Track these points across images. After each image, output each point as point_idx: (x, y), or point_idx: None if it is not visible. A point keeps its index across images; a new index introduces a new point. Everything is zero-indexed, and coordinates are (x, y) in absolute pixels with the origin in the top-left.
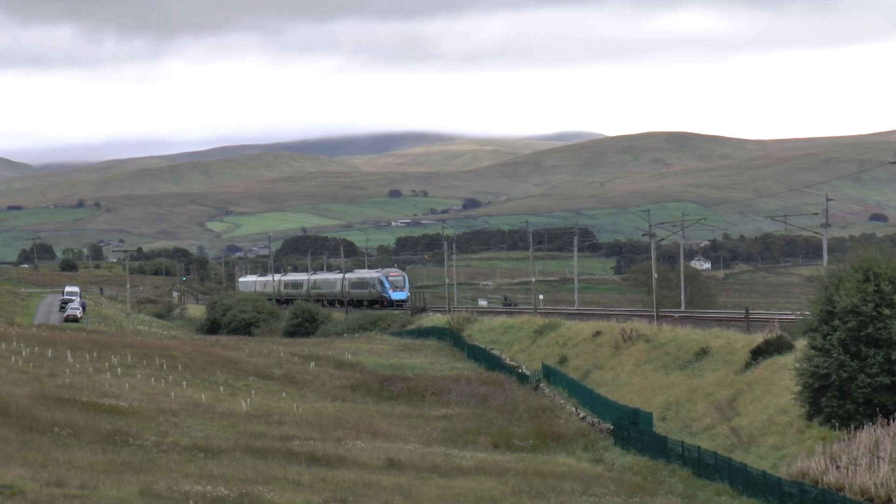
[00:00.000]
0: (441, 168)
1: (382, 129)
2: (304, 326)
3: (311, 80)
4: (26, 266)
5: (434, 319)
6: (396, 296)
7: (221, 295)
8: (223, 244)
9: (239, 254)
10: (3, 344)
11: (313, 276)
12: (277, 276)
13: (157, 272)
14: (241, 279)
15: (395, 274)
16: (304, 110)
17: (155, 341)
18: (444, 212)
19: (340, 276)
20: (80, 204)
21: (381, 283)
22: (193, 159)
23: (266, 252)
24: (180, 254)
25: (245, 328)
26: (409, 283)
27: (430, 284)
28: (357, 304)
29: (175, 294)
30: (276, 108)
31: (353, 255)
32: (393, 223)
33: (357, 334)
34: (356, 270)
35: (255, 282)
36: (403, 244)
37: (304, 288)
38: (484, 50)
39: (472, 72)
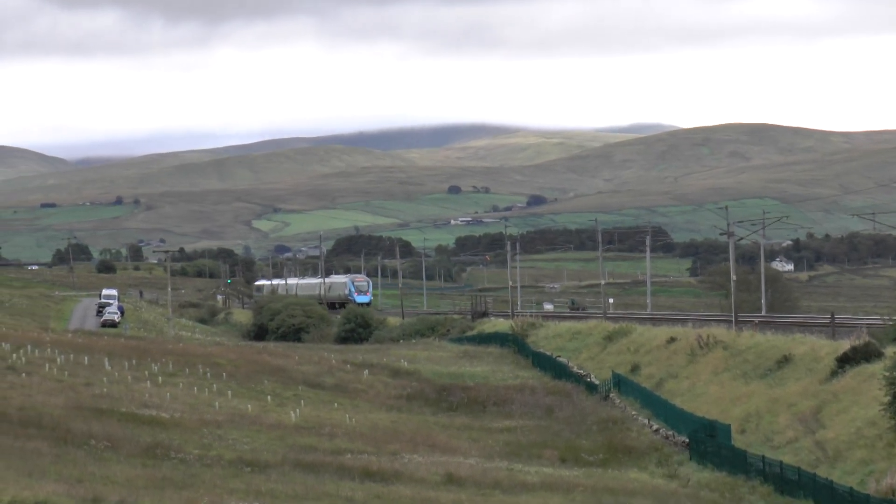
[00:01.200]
0: (504, 162)
1: (441, 121)
2: (357, 332)
3: (367, 69)
4: (61, 267)
5: (496, 325)
6: (360, 298)
7: (268, 298)
8: (271, 244)
9: (287, 254)
10: (37, 351)
11: (300, 281)
12: (276, 281)
13: (200, 274)
14: (256, 283)
15: (360, 279)
16: (358, 101)
17: (198, 348)
18: (507, 209)
19: (320, 280)
20: (119, 201)
21: (348, 287)
22: (239, 153)
23: (317, 252)
24: (225, 254)
25: (294, 334)
26: (470, 285)
27: (491, 287)
28: (331, 305)
29: (219, 297)
30: (329, 99)
31: (409, 255)
32: (452, 222)
33: (414, 340)
34: (332, 276)
35: (264, 286)
36: (463, 244)
37: (294, 291)
38: (554, 36)
39: (540, 59)
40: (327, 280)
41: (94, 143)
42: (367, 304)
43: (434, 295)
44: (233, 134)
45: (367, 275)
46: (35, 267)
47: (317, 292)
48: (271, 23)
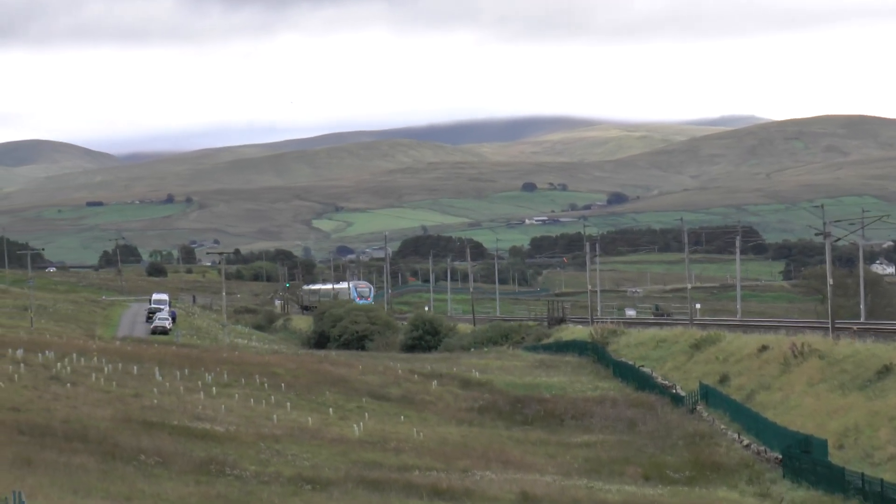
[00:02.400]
0: (582, 157)
1: (516, 113)
2: (425, 340)
3: (440, 56)
4: (108, 270)
5: (574, 332)
6: (361, 302)
7: (330, 304)
8: (332, 245)
9: (350, 256)
10: (83, 360)
11: (322, 287)
12: (315, 286)
13: (256, 277)
14: (303, 287)
15: (362, 285)
16: (428, 91)
17: (254, 357)
18: (586, 208)
19: (331, 286)
20: (170, 199)
21: (351, 292)
22: (299, 147)
23: (382, 254)
24: (283, 256)
25: (357, 342)
26: (547, 289)
27: (569, 291)
28: None
29: (277, 303)
30: (397, 89)
31: (480, 257)
32: (527, 221)
33: (486, 349)
34: (341, 282)
35: (305, 290)
36: (539, 245)
37: (317, 296)
38: (640, 20)
39: (625, 45)
40: (336, 286)
41: (143, 137)
42: None
43: (507, 300)
44: (292, 127)
45: (437, 278)
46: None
47: (329, 297)
48: (340, 7)
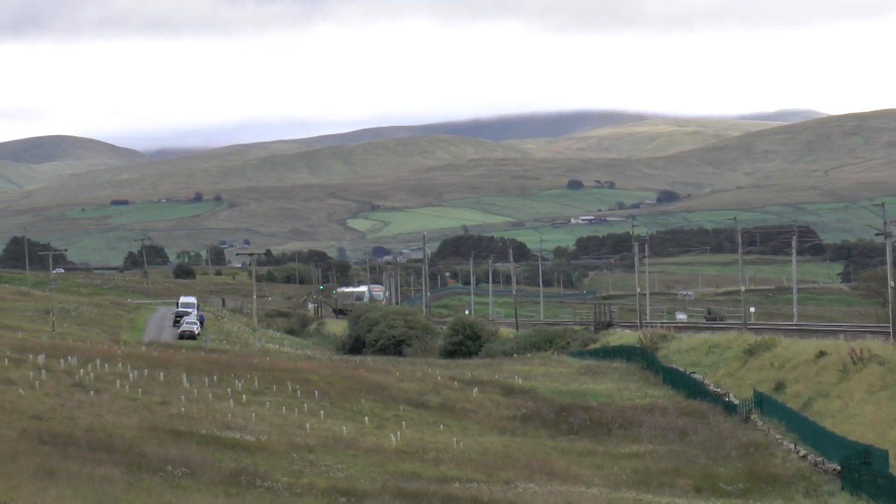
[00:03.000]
0: (631, 154)
1: (562, 108)
2: (465, 345)
3: (484, 48)
4: (134, 272)
5: (622, 337)
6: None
7: (365, 307)
8: (368, 246)
9: (387, 258)
10: (107, 365)
11: (345, 289)
12: (340, 289)
13: (289, 280)
14: (337, 289)
15: (376, 289)
16: (469, 84)
17: (286, 363)
18: (635, 206)
19: (353, 289)
20: (198, 198)
21: (366, 294)
22: (334, 144)
23: (420, 255)
24: (317, 257)
25: (394, 347)
26: (593, 291)
27: (617, 294)
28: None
29: (310, 306)
30: (437, 82)
31: (523, 258)
32: (572, 220)
33: (529, 354)
34: (361, 285)
35: (339, 293)
36: (585, 245)
37: (350, 299)
38: (697, 10)
39: (676, 36)
40: (356, 289)
41: (171, 132)
42: None
43: (552, 303)
44: (327, 122)
45: (478, 280)
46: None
47: (350, 300)
48: None
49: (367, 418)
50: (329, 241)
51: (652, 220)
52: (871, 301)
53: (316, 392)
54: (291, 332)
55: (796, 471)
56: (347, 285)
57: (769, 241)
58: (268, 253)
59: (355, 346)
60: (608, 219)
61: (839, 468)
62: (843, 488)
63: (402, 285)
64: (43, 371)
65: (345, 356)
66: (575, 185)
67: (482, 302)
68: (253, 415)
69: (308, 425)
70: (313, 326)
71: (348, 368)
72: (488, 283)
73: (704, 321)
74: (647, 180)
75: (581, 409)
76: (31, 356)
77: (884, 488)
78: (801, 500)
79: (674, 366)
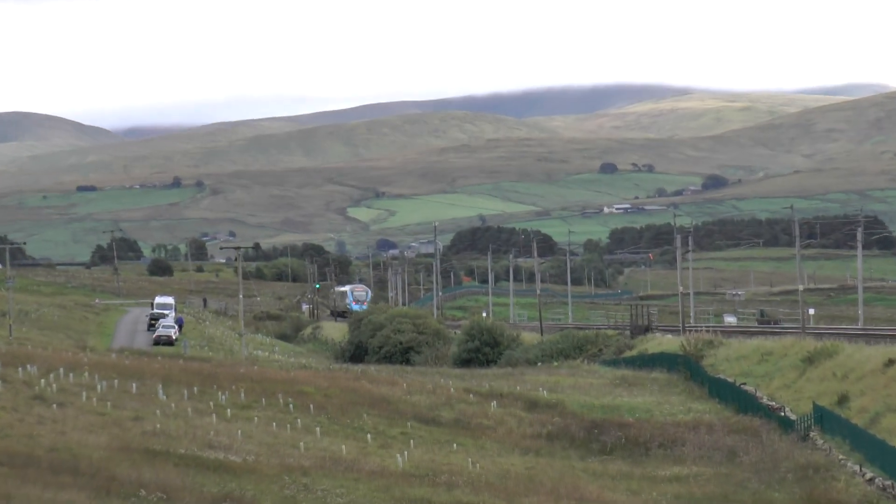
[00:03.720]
0: (673, 133)
1: (595, 82)
2: (483, 352)
3: (504, 13)
4: (103, 269)
5: (662, 343)
6: (355, 307)
7: (369, 309)
8: (372, 238)
9: (394, 252)
10: (72, 376)
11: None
12: (338, 288)
13: (280, 277)
14: (335, 288)
15: (359, 289)
16: (489, 55)
17: (278, 372)
18: (678, 193)
19: (338, 287)
20: (176, 183)
21: (347, 296)
22: (332, 122)
23: (430, 249)
24: (313, 252)
25: (401, 354)
26: (629, 291)
27: (656, 294)
28: (340, 313)
29: (305, 307)
30: (451, 53)
31: (550, 253)
32: (606, 209)
33: (556, 363)
34: (343, 285)
35: (337, 293)
36: (620, 238)
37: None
38: None
39: (728, 1)
40: (337, 289)
41: (145, 109)
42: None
43: (582, 304)
44: (325, 97)
45: (497, 278)
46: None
47: (332, 301)
48: None
49: (369, 436)
50: (327, 234)
51: (697, 209)
52: None
53: (311, 406)
54: (283, 337)
55: (862, 496)
56: (346, 283)
57: (831, 234)
58: (256, 247)
59: (356, 353)
60: (646, 208)
61: None
62: None
63: (411, 284)
64: None
65: (344, 365)
66: (609, 168)
67: (502, 303)
68: (239, 432)
69: (302, 444)
70: (308, 331)
71: (348, 379)
72: (509, 281)
73: (757, 325)
74: (691, 163)
75: (615, 425)
76: None
77: None
78: None
79: (721, 376)
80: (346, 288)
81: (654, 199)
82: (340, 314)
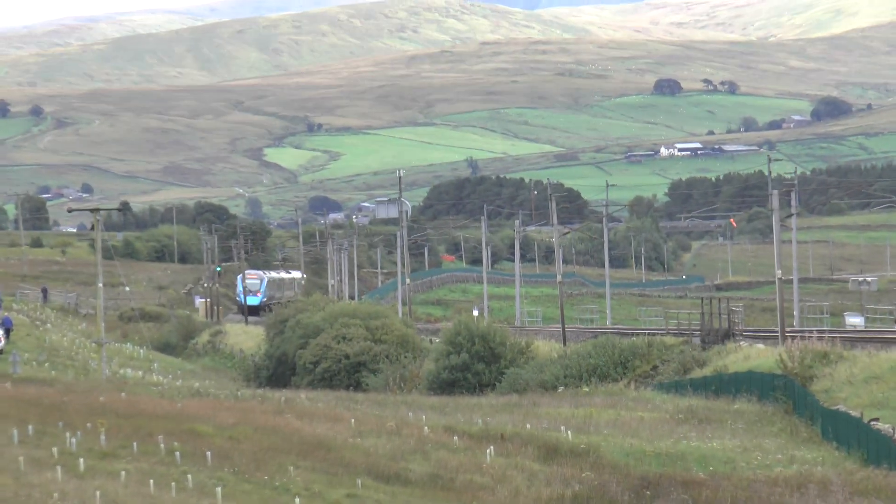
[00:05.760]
0: (767, 32)
1: None
2: (474, 371)
3: None
4: None
5: (750, 356)
6: (248, 301)
7: (297, 305)
8: (303, 195)
9: (337, 216)
10: None
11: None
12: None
13: (161, 256)
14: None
15: (251, 276)
16: None
17: (158, 403)
18: (774, 126)
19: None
20: (2, 111)
21: (261, 285)
22: (240, 17)
23: (394, 212)
24: (212, 216)
25: (348, 374)
26: (699, 277)
27: (740, 281)
28: (253, 309)
29: (199, 302)
30: None
31: (577, 217)
32: (664, 151)
33: (586, 387)
34: (256, 271)
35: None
36: (685, 195)
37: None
38: None
39: None
40: (252, 280)
41: None
42: (256, 308)
43: (627, 297)
44: None
45: (494, 256)
46: None
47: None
48: None
49: (297, 501)
50: (233, 188)
51: (804, 151)
52: None
53: (209, 454)
54: (166, 347)
55: None
56: (266, 268)
57: None
58: (125, 208)
59: (279, 372)
60: (726, 148)
61: None
62: None
63: (363, 266)
64: None
65: (261, 391)
66: (668, 88)
67: (503, 295)
68: (97, 493)
69: None
70: (205, 338)
71: (266, 413)
72: (514, 261)
73: None
74: (794, 80)
75: (678, 484)
76: None
77: None
78: None
79: (842, 407)
80: (257, 277)
81: (739, 136)
82: (253, 310)
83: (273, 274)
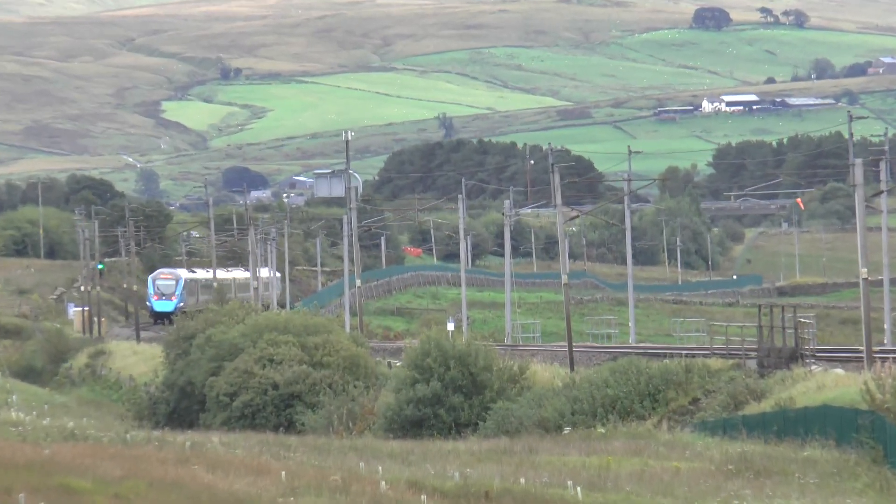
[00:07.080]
0: None
1: None
2: (447, 405)
3: None
4: None
5: (825, 385)
6: (159, 306)
7: (206, 316)
8: (216, 165)
9: (261, 194)
10: None
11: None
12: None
13: (22, 250)
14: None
15: (164, 275)
16: None
17: (19, 448)
18: (857, 74)
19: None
20: None
21: (177, 286)
22: None
23: (340, 190)
24: (91, 192)
25: (278, 411)
26: (755, 276)
27: (809, 283)
28: (159, 316)
29: (74, 312)
30: None
31: (589, 195)
32: (707, 105)
33: (602, 427)
34: (167, 271)
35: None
36: (735, 166)
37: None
38: None
39: None
40: (161, 274)
41: None
42: (170, 315)
43: (655, 303)
44: None
45: (478, 250)
46: None
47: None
48: None
49: None
50: (120, 157)
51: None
52: None
53: None
54: (28, 373)
55: None
56: (166, 265)
57: None
58: None
59: (183, 406)
60: (791, 101)
61: None
62: None
63: (297, 262)
64: None
65: (157, 432)
66: (712, 19)
67: (488, 302)
68: None
69: None
70: (81, 361)
71: (166, 462)
72: (503, 256)
73: None
74: (884, 9)
75: None
76: None
77: None
78: None
79: None
80: (172, 278)
81: (809, 85)
82: (162, 318)
83: (194, 274)
